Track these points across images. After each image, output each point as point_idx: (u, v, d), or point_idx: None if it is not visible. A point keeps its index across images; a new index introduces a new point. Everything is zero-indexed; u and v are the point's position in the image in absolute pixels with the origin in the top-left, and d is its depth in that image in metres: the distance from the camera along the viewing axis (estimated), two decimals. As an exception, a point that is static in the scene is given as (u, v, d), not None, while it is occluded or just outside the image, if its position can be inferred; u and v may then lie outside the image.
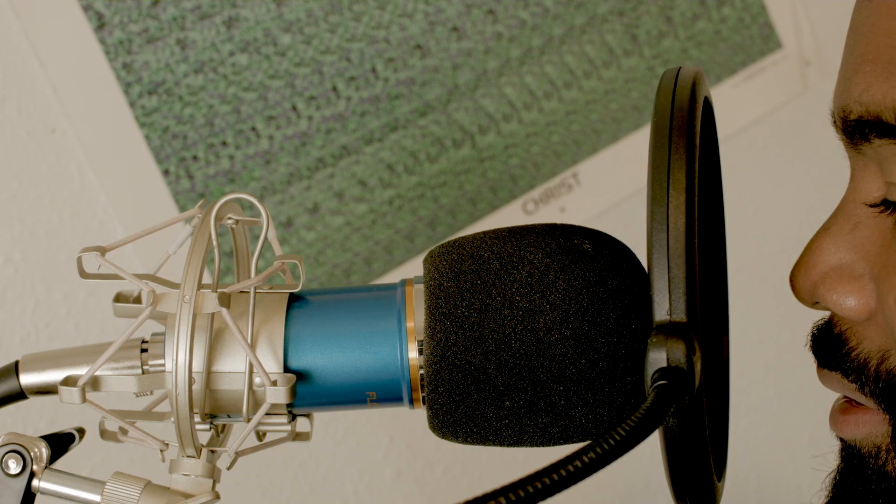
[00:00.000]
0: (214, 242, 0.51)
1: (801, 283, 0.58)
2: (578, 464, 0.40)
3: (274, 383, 0.50)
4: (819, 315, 0.61)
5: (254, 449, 0.54)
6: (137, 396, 0.53)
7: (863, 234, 0.57)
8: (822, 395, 0.62)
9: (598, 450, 0.41)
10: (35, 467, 0.52)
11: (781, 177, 1.25)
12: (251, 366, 0.51)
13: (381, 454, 1.02)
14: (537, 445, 0.52)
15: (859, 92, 0.54)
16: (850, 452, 0.59)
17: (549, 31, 1.08)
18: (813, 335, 0.60)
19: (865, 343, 0.57)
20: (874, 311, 0.56)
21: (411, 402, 0.52)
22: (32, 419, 0.87)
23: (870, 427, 0.58)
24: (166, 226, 0.55)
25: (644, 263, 0.50)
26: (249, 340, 0.51)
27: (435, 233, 1.02)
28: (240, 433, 0.52)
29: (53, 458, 0.52)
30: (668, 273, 0.47)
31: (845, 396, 0.59)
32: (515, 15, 1.06)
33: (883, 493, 0.57)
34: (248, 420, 0.51)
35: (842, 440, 0.60)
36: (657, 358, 0.46)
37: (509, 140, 1.06)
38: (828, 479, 0.60)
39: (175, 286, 0.52)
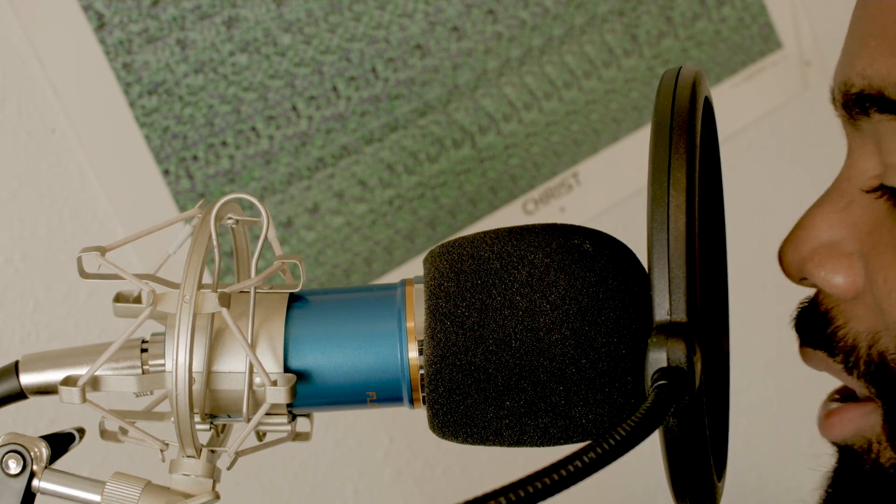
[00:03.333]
0: (214, 242, 0.51)
1: (790, 257, 0.58)
2: (578, 464, 0.40)
3: (274, 383, 0.50)
4: (805, 293, 0.61)
5: (254, 449, 0.54)
6: (137, 396, 0.53)
7: (855, 212, 0.57)
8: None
9: (599, 450, 0.41)
10: (35, 467, 0.52)
11: (781, 177, 1.25)
12: (251, 366, 0.51)
13: (381, 454, 1.02)
14: (537, 445, 0.52)
15: (863, 66, 0.54)
16: (844, 451, 0.59)
17: (549, 31, 1.08)
18: (798, 313, 0.60)
19: (853, 323, 0.56)
20: (861, 289, 0.56)
21: (411, 402, 0.52)
22: (32, 419, 0.87)
23: (856, 423, 0.58)
24: (166, 226, 0.55)
25: (644, 263, 0.50)
26: (249, 340, 0.51)
27: (435, 233, 1.02)
28: (240, 433, 0.52)
29: (53, 458, 0.52)
30: (669, 273, 0.47)
31: (832, 399, 0.59)
32: (515, 15, 1.06)
33: (879, 488, 0.57)
34: (248, 420, 0.51)
35: (834, 443, 0.60)
36: (657, 358, 0.46)
37: (509, 140, 1.06)
38: (823, 479, 0.60)
39: (175, 286, 0.52)
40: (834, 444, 0.60)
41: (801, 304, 0.60)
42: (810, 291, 0.60)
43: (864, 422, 0.57)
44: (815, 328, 0.58)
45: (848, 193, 0.57)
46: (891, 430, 0.56)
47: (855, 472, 0.58)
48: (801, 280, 0.59)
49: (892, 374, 0.55)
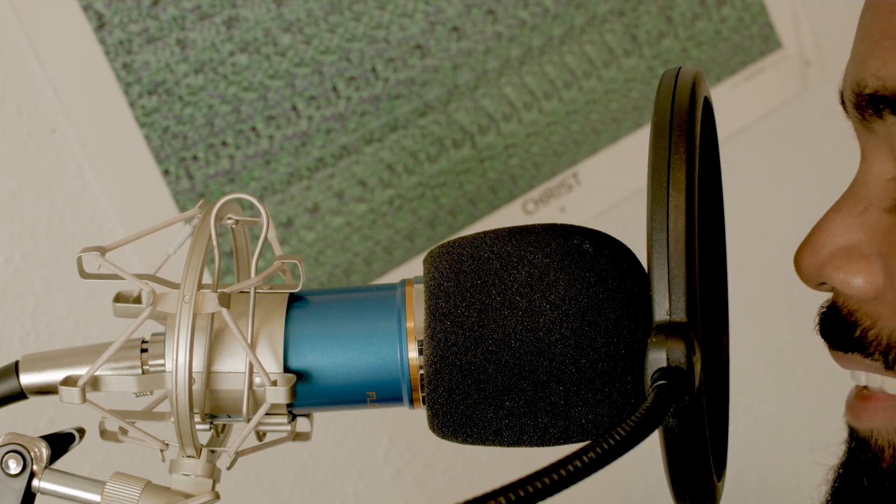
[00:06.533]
0: (214, 242, 0.51)
1: (807, 262, 0.58)
2: (578, 464, 0.40)
3: (274, 383, 0.50)
4: (820, 298, 0.60)
5: (254, 449, 0.54)
6: (137, 396, 0.53)
7: (873, 215, 0.56)
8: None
9: (598, 450, 0.41)
10: (35, 467, 0.52)
11: (781, 177, 1.25)
12: (251, 366, 0.51)
13: (381, 454, 1.02)
14: (537, 445, 0.52)
15: (877, 66, 0.54)
16: (858, 444, 0.58)
17: (549, 31, 1.08)
18: (820, 319, 0.59)
19: (882, 322, 0.56)
20: (882, 289, 0.56)
21: (411, 402, 0.52)
22: (32, 419, 0.87)
23: (890, 413, 0.57)
24: (166, 226, 0.55)
25: (644, 263, 0.50)
26: (249, 340, 0.51)
27: (435, 233, 1.02)
28: (240, 433, 0.52)
29: (53, 458, 0.52)
30: (668, 273, 0.47)
31: (864, 387, 0.59)
32: (515, 15, 1.06)
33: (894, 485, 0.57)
34: (248, 420, 0.51)
35: (851, 432, 0.59)
36: (657, 358, 0.46)
37: (509, 140, 1.06)
38: (830, 473, 0.60)
39: (175, 286, 0.52)
40: (854, 434, 0.59)
41: (821, 309, 0.59)
42: (826, 296, 0.60)
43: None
44: (843, 332, 0.58)
45: (865, 198, 0.57)
46: None
47: (866, 467, 0.58)
48: (820, 285, 0.59)
49: None
